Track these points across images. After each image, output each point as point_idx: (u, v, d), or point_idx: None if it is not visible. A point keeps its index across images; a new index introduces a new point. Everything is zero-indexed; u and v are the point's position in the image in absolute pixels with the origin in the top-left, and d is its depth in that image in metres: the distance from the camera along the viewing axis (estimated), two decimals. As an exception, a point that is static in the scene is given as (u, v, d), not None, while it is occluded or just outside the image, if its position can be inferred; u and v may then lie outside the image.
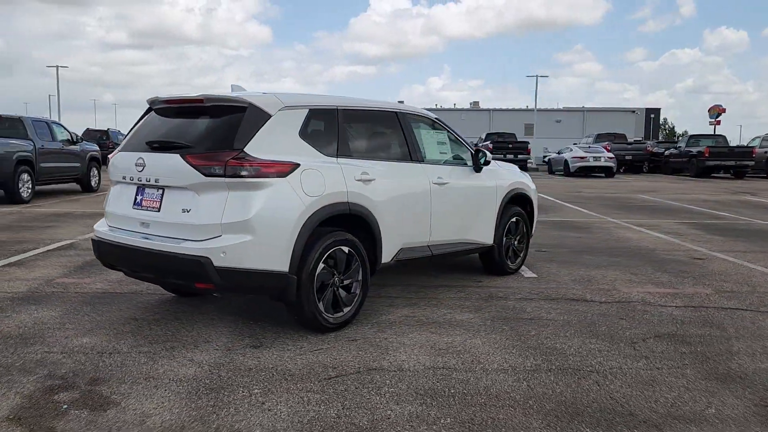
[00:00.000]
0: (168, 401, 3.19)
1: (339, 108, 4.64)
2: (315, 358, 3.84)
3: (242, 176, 3.86)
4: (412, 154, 5.14)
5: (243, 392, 3.32)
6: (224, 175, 3.84)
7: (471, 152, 5.80)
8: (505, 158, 30.40)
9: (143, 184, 4.23)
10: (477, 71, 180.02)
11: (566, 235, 9.18)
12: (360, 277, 4.50)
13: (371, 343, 4.13)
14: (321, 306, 4.22)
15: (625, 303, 5.30)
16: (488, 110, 65.54)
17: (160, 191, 4.14)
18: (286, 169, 4.01)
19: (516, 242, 6.38)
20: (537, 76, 51.70)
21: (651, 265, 6.97)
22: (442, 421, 3.02)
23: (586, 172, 26.58)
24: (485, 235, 5.91)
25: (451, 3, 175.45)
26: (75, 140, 14.56)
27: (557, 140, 47.29)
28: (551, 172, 30.13)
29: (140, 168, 4.19)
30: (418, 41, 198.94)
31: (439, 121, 5.73)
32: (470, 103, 72.76)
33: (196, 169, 3.88)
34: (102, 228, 4.52)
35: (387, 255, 4.77)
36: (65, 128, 14.79)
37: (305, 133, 4.30)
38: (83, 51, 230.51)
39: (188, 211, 3.95)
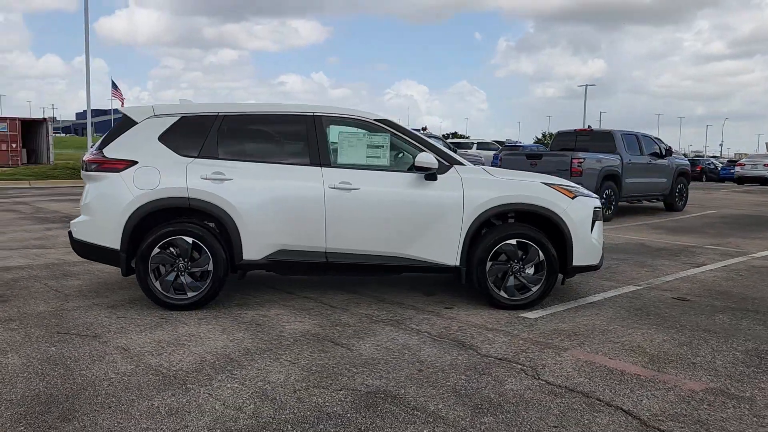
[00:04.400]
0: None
1: (221, 114, 5.05)
2: (101, 320, 4.55)
3: (90, 170, 4.98)
4: (312, 157, 4.97)
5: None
6: (83, 170, 5.05)
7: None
8: None
9: None
10: None
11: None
12: (210, 268, 4.81)
13: (154, 324, 4.50)
14: (158, 285, 4.81)
15: (512, 365, 3.75)
16: None
17: None
18: (121, 166, 4.86)
19: (531, 270, 5.00)
20: None
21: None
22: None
23: None
24: (441, 254, 4.96)
25: None
26: (663, 154, 14.04)
27: None
28: None
29: None
30: None
31: (384, 124, 5.16)
32: None
33: (82, 165, 5.13)
34: None
35: (254, 253, 4.85)
36: (656, 141, 14.28)
37: (165, 137, 4.96)
38: (676, 66, 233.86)
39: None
